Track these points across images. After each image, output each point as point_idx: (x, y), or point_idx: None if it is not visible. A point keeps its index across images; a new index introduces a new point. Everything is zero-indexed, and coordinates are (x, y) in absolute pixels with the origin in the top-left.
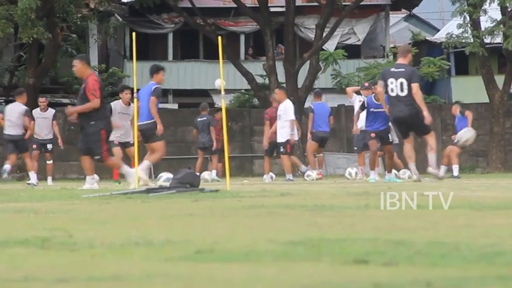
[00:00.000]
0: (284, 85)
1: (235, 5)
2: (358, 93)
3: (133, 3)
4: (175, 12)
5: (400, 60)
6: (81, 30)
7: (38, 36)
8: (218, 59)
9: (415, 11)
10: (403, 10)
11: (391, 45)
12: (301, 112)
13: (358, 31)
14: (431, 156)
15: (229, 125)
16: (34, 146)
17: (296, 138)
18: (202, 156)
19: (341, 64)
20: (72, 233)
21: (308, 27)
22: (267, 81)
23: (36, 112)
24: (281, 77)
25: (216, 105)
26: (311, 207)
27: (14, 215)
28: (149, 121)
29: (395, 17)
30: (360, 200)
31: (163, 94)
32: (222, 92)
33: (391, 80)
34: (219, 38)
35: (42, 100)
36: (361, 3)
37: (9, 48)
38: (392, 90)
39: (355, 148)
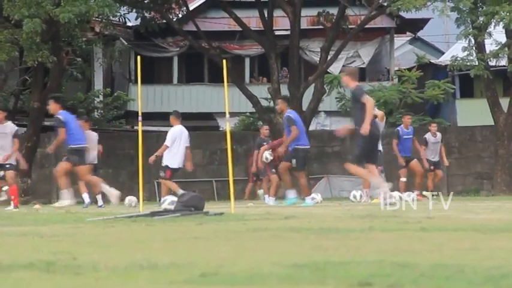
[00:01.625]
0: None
1: (240, 29)
2: None
3: (138, 27)
4: (180, 36)
5: (356, 83)
6: (86, 54)
7: (43, 60)
8: (223, 82)
9: (420, 34)
10: (408, 33)
11: (396, 68)
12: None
13: (363, 54)
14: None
15: (234, 148)
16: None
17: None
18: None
19: (346, 87)
20: (76, 256)
21: (313, 50)
22: (271, 104)
23: None
24: None
25: (221, 129)
26: (316, 230)
27: (18, 239)
28: None
29: (400, 40)
30: (364, 222)
31: (167, 117)
32: (227, 115)
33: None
34: (224, 61)
35: None
36: (366, 26)
37: (14, 72)
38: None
39: None
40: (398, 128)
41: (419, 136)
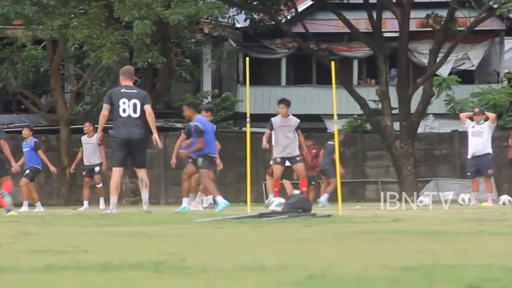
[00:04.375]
0: (397, 110)
1: (349, 30)
2: (471, 118)
3: (247, 28)
4: (288, 38)
5: (129, 82)
6: (195, 55)
7: (153, 61)
8: (331, 84)
9: None
10: None
11: (506, 71)
12: (413, 137)
13: (472, 56)
14: (143, 194)
15: (342, 150)
16: (84, 173)
17: None
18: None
19: (454, 89)
20: (185, 257)
21: (421, 53)
22: (379, 106)
23: (83, 138)
24: (394, 102)
25: (329, 131)
26: (424, 233)
27: (128, 239)
28: None
29: (510, 42)
30: (473, 226)
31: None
32: (335, 117)
33: (123, 100)
34: (332, 63)
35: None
36: (476, 28)
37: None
38: (124, 111)
39: (468, 174)
40: None
41: None
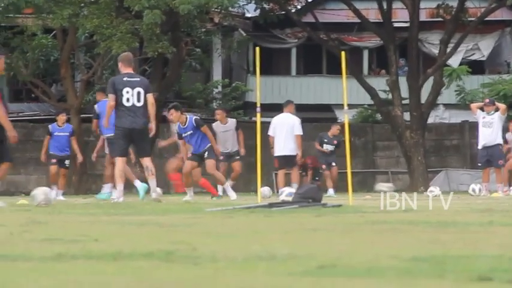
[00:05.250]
0: (407, 101)
1: (359, 20)
2: (481, 109)
3: (257, 18)
4: (298, 27)
5: (129, 70)
6: (205, 45)
7: (163, 50)
8: (341, 74)
9: None
10: None
11: None
12: (424, 127)
13: (483, 47)
14: (150, 182)
15: (352, 140)
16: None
17: None
18: None
19: (465, 80)
20: (195, 246)
21: (432, 43)
22: (390, 96)
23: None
24: (404, 93)
25: (339, 121)
26: (434, 224)
27: (138, 228)
28: None
29: None
30: (483, 216)
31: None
32: (345, 107)
33: (127, 89)
34: (342, 53)
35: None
36: (486, 18)
37: (134, 62)
38: (128, 100)
39: (479, 164)
40: None
41: None
